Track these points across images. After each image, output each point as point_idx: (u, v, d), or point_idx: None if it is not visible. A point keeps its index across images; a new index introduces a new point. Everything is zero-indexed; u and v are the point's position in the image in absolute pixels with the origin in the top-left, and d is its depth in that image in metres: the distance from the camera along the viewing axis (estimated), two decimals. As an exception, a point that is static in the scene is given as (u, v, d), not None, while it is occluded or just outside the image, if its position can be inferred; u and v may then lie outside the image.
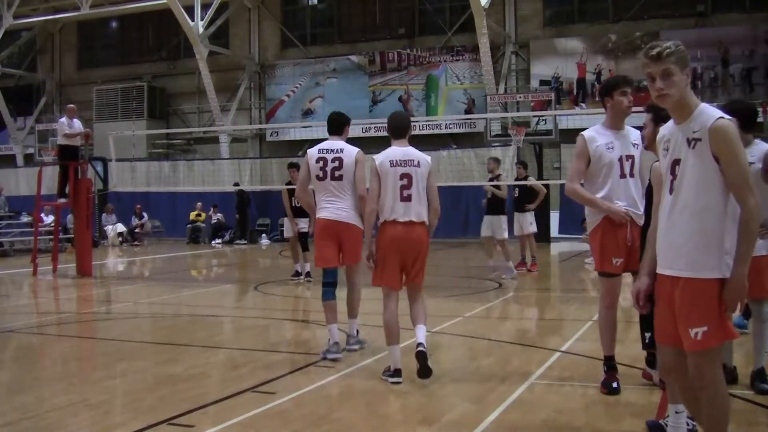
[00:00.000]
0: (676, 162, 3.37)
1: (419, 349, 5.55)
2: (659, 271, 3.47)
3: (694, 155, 3.29)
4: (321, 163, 6.56)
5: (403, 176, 5.72)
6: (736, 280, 3.27)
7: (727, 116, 3.28)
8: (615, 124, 5.28)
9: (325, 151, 6.62)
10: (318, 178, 6.56)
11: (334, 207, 6.49)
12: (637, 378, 5.61)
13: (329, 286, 6.64)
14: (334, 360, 6.41)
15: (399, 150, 5.83)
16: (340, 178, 6.51)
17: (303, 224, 12.50)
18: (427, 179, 5.79)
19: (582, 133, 5.24)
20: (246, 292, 12.41)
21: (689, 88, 3.38)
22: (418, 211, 5.75)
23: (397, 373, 5.67)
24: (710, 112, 3.31)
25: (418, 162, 5.79)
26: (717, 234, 3.27)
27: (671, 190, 3.38)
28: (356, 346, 6.79)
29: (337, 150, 6.59)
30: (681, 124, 3.38)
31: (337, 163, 6.53)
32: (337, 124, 6.86)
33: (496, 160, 13.88)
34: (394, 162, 5.76)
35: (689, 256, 3.31)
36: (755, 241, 3.31)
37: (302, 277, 12.60)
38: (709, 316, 3.28)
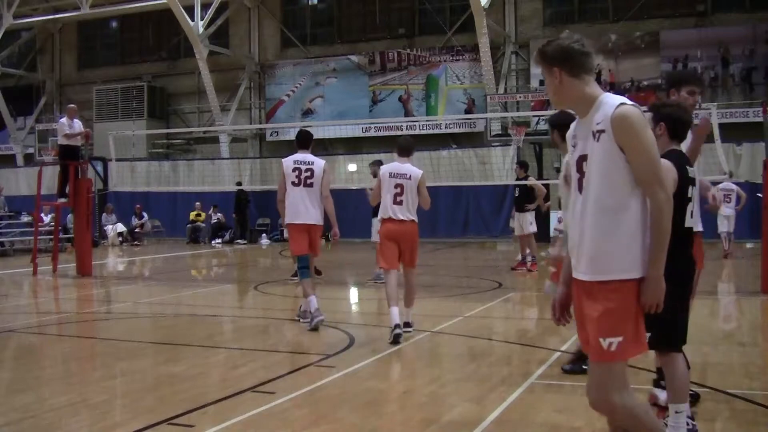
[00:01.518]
0: (582, 158, 3.10)
1: (403, 329, 7.14)
2: (575, 276, 3.14)
3: (599, 148, 3.01)
4: (296, 173, 8.02)
5: (397, 186, 7.41)
6: (649, 281, 2.98)
7: (630, 102, 3.00)
8: None
9: (299, 162, 8.09)
10: (293, 184, 8.00)
11: (306, 210, 7.99)
12: (637, 378, 5.60)
13: (305, 268, 8.16)
14: (320, 321, 7.81)
15: (399, 165, 7.51)
16: (311, 185, 8.03)
17: None
18: (418, 187, 7.44)
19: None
20: (246, 292, 12.41)
21: (583, 80, 3.12)
22: (407, 212, 7.40)
23: (396, 326, 7.11)
24: (611, 101, 3.03)
25: (410, 176, 7.44)
26: (633, 231, 2.99)
27: (580, 189, 3.10)
28: (322, 317, 7.90)
29: (309, 162, 8.10)
30: (584, 118, 3.12)
31: (309, 173, 8.04)
32: (306, 140, 8.35)
33: (379, 163, 13.16)
34: (393, 174, 7.47)
35: (604, 257, 2.99)
36: (667, 240, 3.01)
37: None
38: (626, 324, 2.96)
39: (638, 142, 2.95)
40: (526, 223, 13.68)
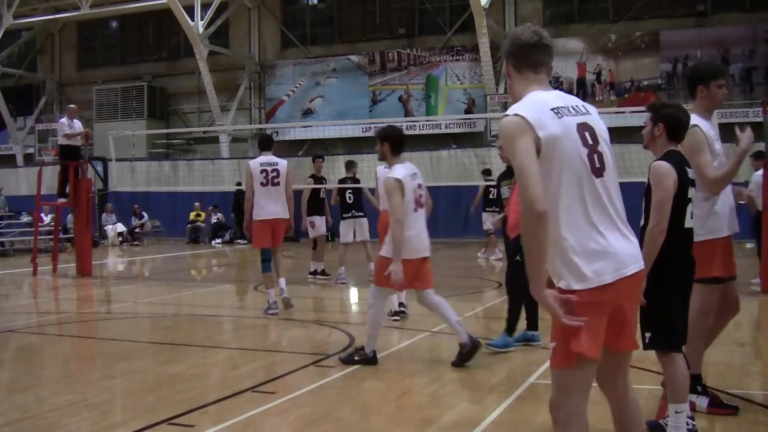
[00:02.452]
0: None
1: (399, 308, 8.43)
2: None
3: None
4: (264, 174, 8.84)
5: None
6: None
7: (513, 111, 2.84)
8: (708, 114, 4.77)
9: (265, 164, 8.90)
10: (262, 184, 8.82)
11: (273, 206, 8.83)
12: (637, 378, 5.60)
13: (267, 261, 8.99)
14: (273, 315, 8.75)
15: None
16: (278, 184, 8.88)
17: (321, 225, 12.74)
18: None
19: (697, 123, 4.54)
20: (246, 292, 12.41)
21: (523, 76, 3.01)
22: None
23: (392, 312, 8.39)
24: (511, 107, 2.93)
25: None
26: (551, 239, 2.83)
27: None
28: (287, 295, 9.06)
29: (274, 164, 8.94)
30: None
31: (275, 173, 8.87)
32: (269, 143, 9.29)
33: (351, 163, 12.96)
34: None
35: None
36: (532, 254, 2.76)
37: (318, 275, 12.89)
38: (557, 331, 2.87)
39: (509, 150, 2.82)
40: (526, 223, 13.68)
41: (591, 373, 2.94)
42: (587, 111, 3.00)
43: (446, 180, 21.04)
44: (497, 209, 16.37)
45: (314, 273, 12.99)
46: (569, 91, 21.40)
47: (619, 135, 13.78)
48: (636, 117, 17.81)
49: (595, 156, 2.91)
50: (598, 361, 2.89)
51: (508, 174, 7.09)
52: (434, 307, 6.41)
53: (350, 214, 12.12)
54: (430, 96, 25.72)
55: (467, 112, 24.88)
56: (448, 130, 24.94)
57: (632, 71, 23.17)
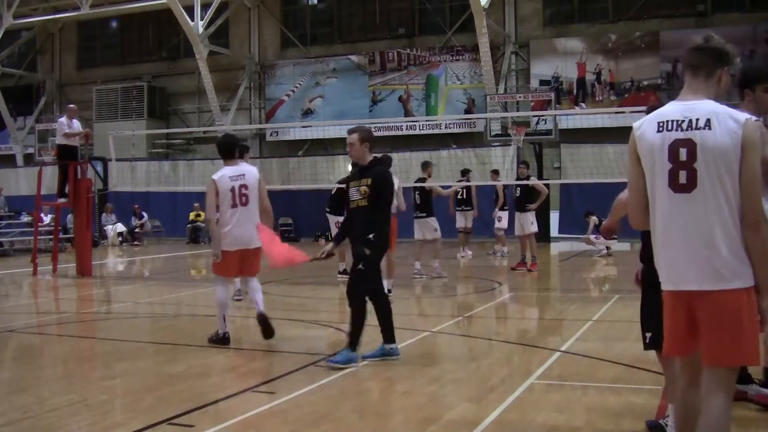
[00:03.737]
0: None
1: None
2: None
3: None
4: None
5: None
6: None
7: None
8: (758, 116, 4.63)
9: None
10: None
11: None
12: (637, 378, 5.61)
13: None
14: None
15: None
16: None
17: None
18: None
19: (758, 123, 4.66)
20: (246, 292, 12.39)
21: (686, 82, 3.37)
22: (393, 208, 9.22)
23: (388, 291, 8.75)
24: None
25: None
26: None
27: None
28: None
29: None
30: None
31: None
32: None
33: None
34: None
35: None
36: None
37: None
38: None
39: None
40: (527, 222, 13.68)
41: (683, 364, 3.22)
42: (705, 126, 3.01)
43: (446, 180, 20.99)
44: (468, 208, 17.04)
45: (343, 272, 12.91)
46: (569, 92, 21.35)
47: (618, 135, 13.76)
48: (636, 117, 17.73)
49: (682, 173, 3.01)
50: (680, 355, 3.20)
51: (356, 175, 6.58)
52: (249, 291, 7.50)
53: (414, 214, 12.72)
54: (430, 96, 25.71)
55: (467, 112, 24.88)
56: (448, 130, 24.94)
57: (632, 71, 23.17)
